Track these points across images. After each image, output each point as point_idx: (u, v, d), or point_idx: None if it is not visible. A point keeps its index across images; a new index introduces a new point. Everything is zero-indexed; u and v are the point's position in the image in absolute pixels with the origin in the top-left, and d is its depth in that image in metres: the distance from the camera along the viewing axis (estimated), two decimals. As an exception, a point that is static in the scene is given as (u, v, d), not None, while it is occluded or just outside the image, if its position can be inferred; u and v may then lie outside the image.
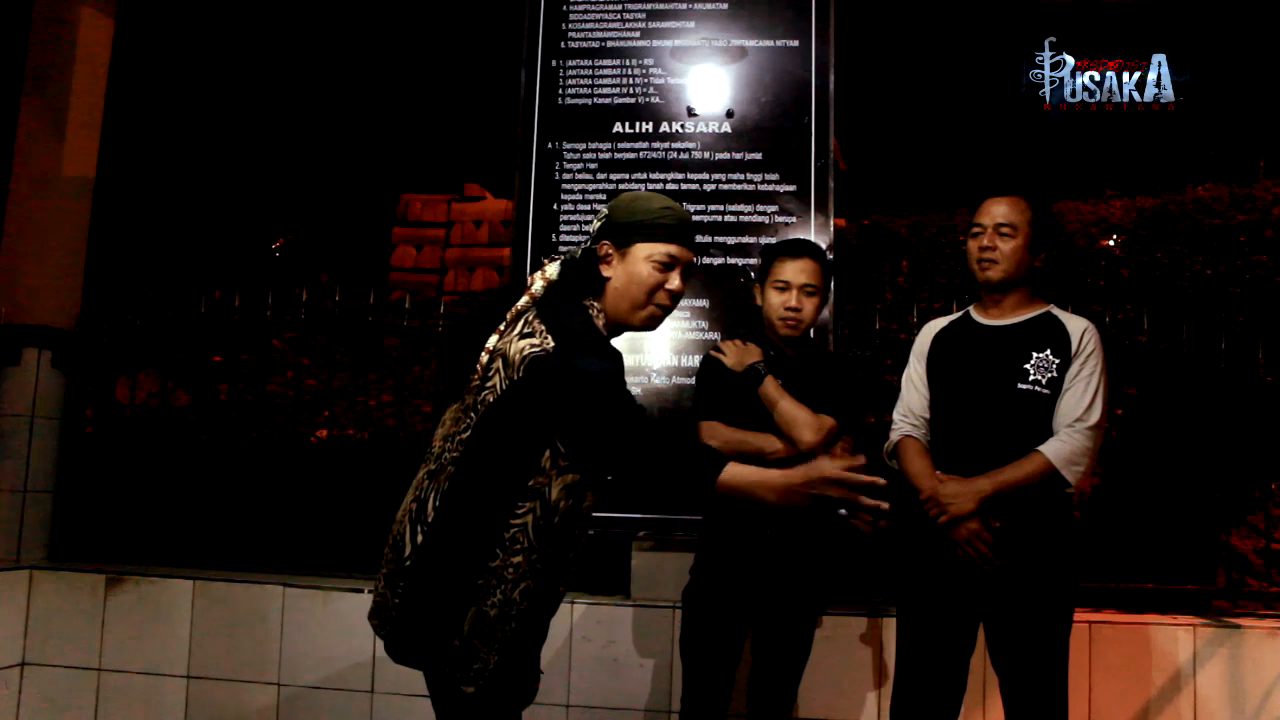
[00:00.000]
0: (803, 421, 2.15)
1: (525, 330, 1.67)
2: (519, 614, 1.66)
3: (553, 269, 1.76)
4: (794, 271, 2.23)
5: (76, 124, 3.46)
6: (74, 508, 3.43)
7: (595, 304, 1.76)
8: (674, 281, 1.74)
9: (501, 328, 1.73)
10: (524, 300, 1.74)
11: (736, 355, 2.26)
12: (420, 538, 1.71)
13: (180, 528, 3.45)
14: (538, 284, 1.74)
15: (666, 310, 1.77)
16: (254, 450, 3.75)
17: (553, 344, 1.63)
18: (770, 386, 2.18)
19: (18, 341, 3.31)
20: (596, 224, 1.78)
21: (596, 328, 1.73)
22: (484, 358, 1.72)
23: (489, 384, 1.69)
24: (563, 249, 2.88)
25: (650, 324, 1.78)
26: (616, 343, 1.77)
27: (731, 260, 2.90)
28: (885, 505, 1.57)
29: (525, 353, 1.64)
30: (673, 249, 1.74)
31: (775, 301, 2.25)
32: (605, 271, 1.74)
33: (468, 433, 1.70)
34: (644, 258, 1.73)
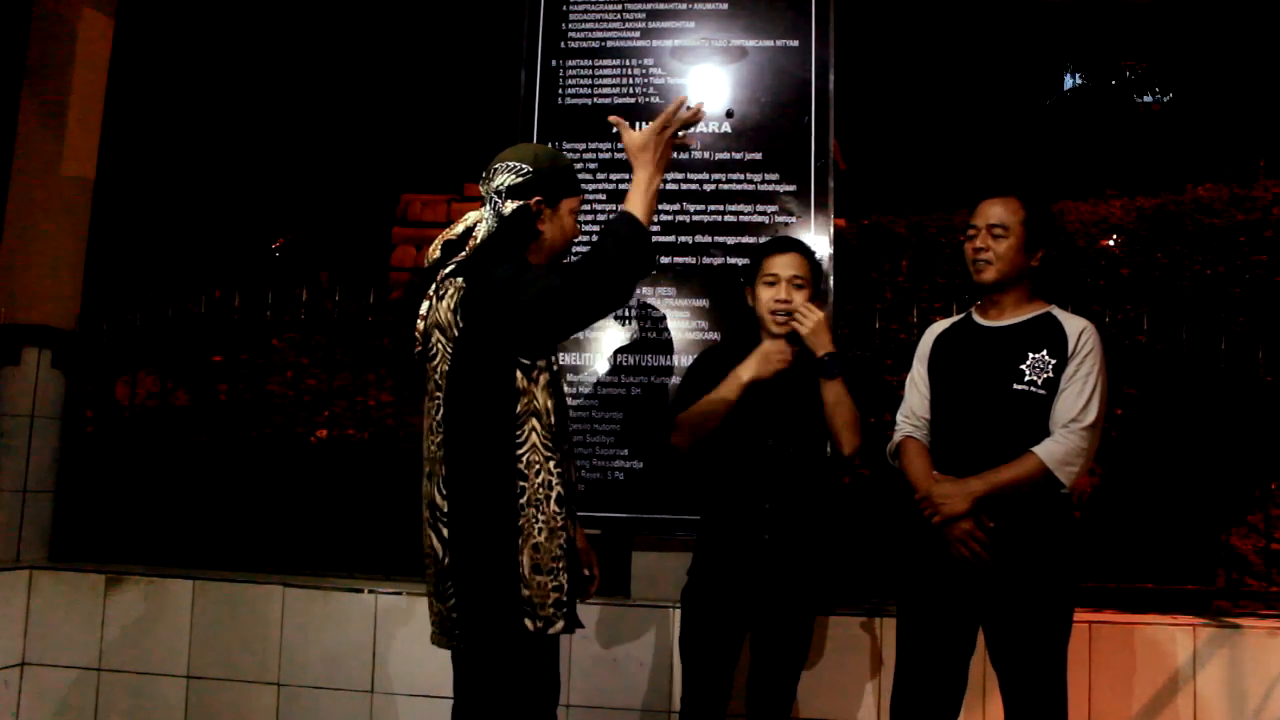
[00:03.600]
0: (856, 424, 2.20)
1: (442, 293, 1.78)
2: (564, 524, 1.74)
3: (481, 230, 1.84)
4: (782, 265, 2.25)
5: (76, 124, 3.46)
6: (74, 508, 3.42)
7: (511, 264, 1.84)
8: (579, 228, 1.94)
9: (431, 291, 1.82)
10: (450, 268, 1.82)
11: (814, 325, 2.21)
12: (446, 532, 1.75)
13: (180, 528, 3.45)
14: (468, 247, 1.84)
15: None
16: (254, 450, 3.75)
17: (463, 283, 1.75)
18: (840, 384, 2.20)
19: (18, 341, 3.31)
20: (514, 179, 1.82)
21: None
22: (420, 326, 1.81)
23: (437, 358, 1.78)
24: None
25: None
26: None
27: (731, 260, 2.90)
28: (700, 109, 1.87)
29: (451, 308, 1.75)
30: (581, 198, 1.95)
31: (765, 296, 2.26)
32: (540, 227, 1.85)
33: (440, 411, 1.77)
34: (568, 211, 1.88)
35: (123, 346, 3.54)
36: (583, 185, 2.93)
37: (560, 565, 1.72)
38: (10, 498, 3.28)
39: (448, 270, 1.82)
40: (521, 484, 1.72)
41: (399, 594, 2.94)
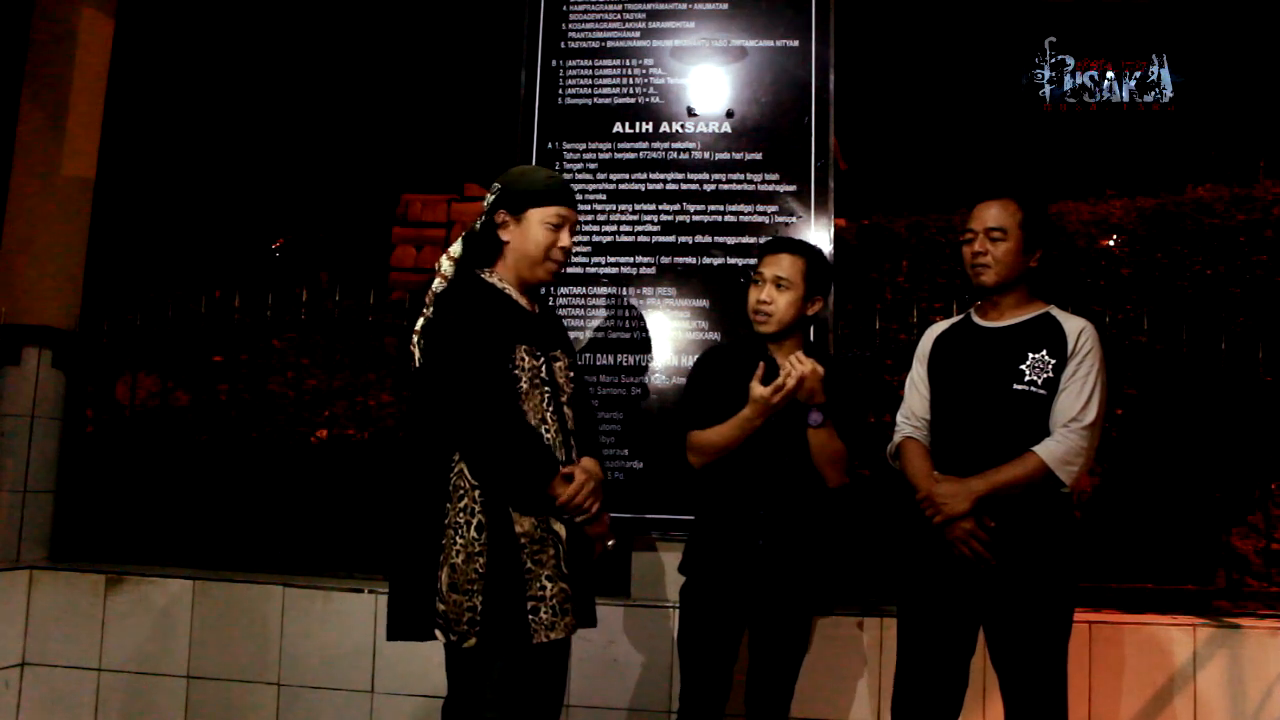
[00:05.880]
0: (842, 463, 2.17)
1: (426, 310, 1.92)
2: (484, 551, 1.82)
3: (455, 247, 1.99)
4: (766, 265, 2.23)
5: (76, 124, 3.46)
6: (74, 508, 3.42)
7: (490, 271, 1.99)
8: (564, 239, 1.98)
9: (424, 309, 1.95)
10: (437, 282, 1.96)
11: (801, 376, 2.07)
12: (391, 522, 1.93)
13: (180, 528, 3.45)
14: (445, 265, 1.98)
15: (560, 265, 2.02)
16: (254, 450, 3.75)
17: (432, 313, 1.89)
18: (826, 431, 2.14)
19: (18, 341, 3.31)
20: (491, 197, 1.99)
21: (480, 289, 1.94)
22: (413, 338, 1.95)
23: (413, 366, 1.94)
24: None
25: (548, 278, 2.03)
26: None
27: (731, 260, 2.90)
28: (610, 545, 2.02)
29: (420, 330, 1.91)
30: (561, 210, 1.97)
31: (750, 297, 2.24)
32: (504, 236, 1.98)
33: (405, 417, 1.88)
34: (538, 221, 1.96)
35: (123, 346, 3.54)
36: (584, 186, 2.95)
37: (475, 588, 1.80)
38: (10, 498, 3.28)
39: (435, 289, 1.95)
40: (446, 505, 1.83)
41: (399, 594, 2.94)
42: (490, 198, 2.00)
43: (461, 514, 1.82)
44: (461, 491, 1.83)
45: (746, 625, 2.22)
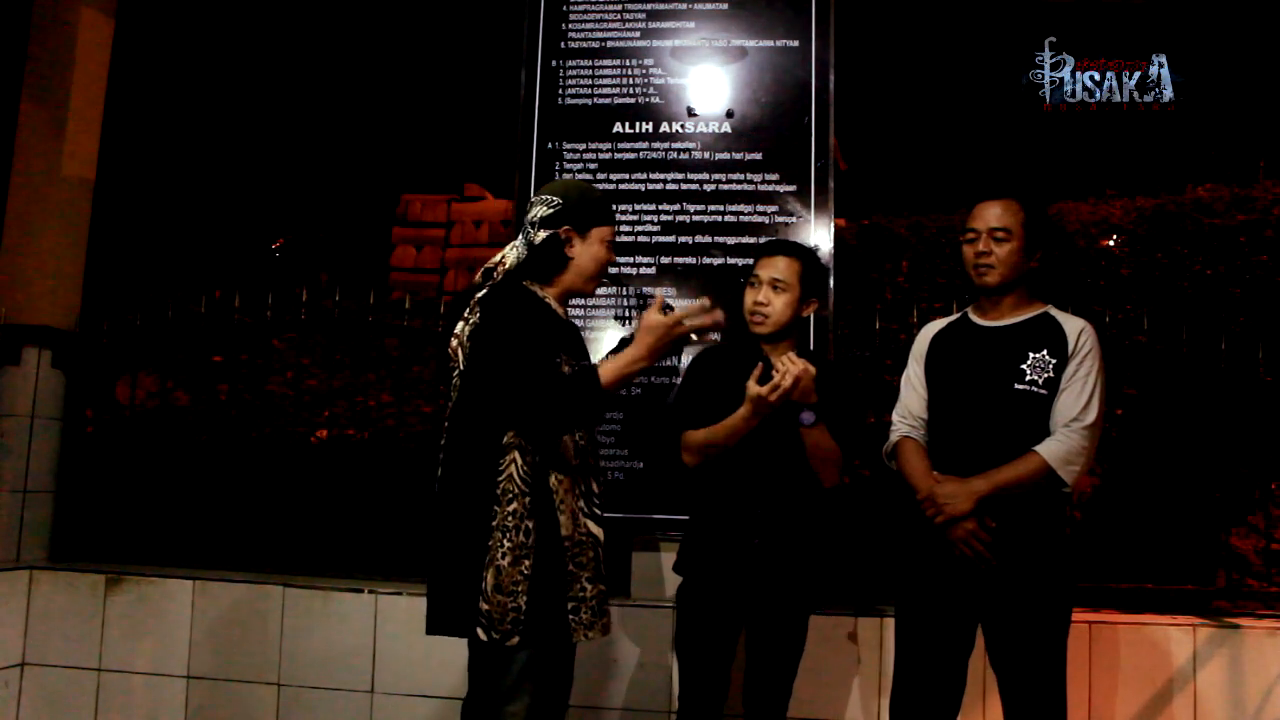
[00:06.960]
0: (837, 463, 2.16)
1: (469, 316, 1.94)
2: (531, 553, 1.85)
3: (511, 257, 2.00)
4: (762, 267, 2.24)
5: (76, 124, 3.46)
6: (74, 508, 3.43)
7: (533, 283, 2.01)
8: (613, 256, 2.09)
9: (465, 314, 1.97)
10: (484, 292, 1.97)
11: (795, 376, 2.03)
12: (434, 522, 1.93)
13: (180, 528, 3.45)
14: (498, 273, 1.99)
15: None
16: (254, 450, 3.75)
17: (478, 317, 1.90)
18: (819, 430, 2.13)
19: (18, 341, 3.31)
20: (547, 210, 1.99)
21: (525, 298, 1.95)
22: (454, 343, 1.97)
23: (455, 374, 1.96)
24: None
25: (593, 292, 2.17)
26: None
27: (731, 260, 2.90)
28: (720, 316, 1.93)
29: (467, 334, 1.92)
30: (614, 228, 2.07)
31: (746, 299, 2.25)
32: (570, 253, 2.00)
33: (448, 420, 1.95)
34: (599, 240, 2.02)
35: (123, 346, 3.54)
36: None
37: (520, 589, 1.83)
38: (10, 498, 3.28)
39: (479, 295, 1.96)
40: (495, 508, 1.85)
41: (399, 594, 2.94)
42: (544, 211, 1.98)
43: (510, 517, 1.84)
44: (511, 495, 1.85)
45: (744, 625, 2.22)
